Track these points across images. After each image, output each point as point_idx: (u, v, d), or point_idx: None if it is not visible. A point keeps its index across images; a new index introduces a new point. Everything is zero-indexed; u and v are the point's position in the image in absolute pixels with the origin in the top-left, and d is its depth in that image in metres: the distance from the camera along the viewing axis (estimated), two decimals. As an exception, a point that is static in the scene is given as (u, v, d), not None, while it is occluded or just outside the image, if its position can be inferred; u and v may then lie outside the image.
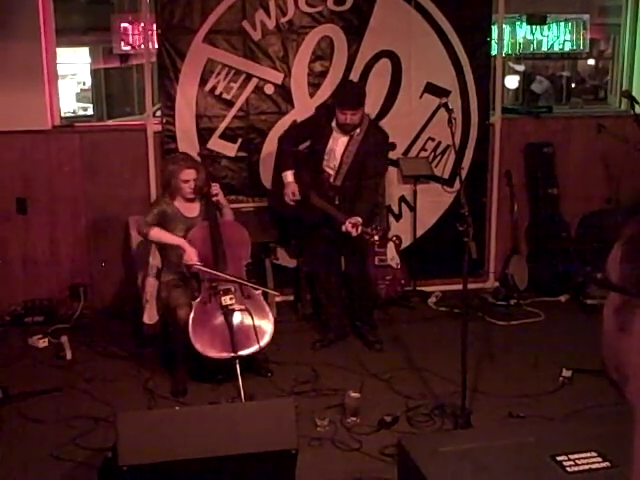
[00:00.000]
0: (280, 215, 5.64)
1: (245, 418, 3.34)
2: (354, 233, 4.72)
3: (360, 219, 4.73)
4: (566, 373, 4.72)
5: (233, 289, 4.68)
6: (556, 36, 11.34)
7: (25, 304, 5.84)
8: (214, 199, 4.89)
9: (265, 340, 4.65)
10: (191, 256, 4.64)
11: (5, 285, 5.79)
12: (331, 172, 5.11)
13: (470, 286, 4.28)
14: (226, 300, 4.60)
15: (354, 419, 4.22)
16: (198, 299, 4.67)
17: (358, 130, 5.02)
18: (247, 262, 4.94)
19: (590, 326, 5.69)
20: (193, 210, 4.89)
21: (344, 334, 5.45)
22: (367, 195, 5.05)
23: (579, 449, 2.98)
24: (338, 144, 5.07)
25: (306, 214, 5.20)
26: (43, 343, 5.37)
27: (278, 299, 5.90)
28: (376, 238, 4.71)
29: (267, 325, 4.70)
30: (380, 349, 5.30)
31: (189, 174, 4.76)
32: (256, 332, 4.58)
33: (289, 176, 5.19)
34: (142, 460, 3.13)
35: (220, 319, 4.60)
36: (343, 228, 4.75)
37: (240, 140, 6.00)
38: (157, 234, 4.73)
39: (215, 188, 4.88)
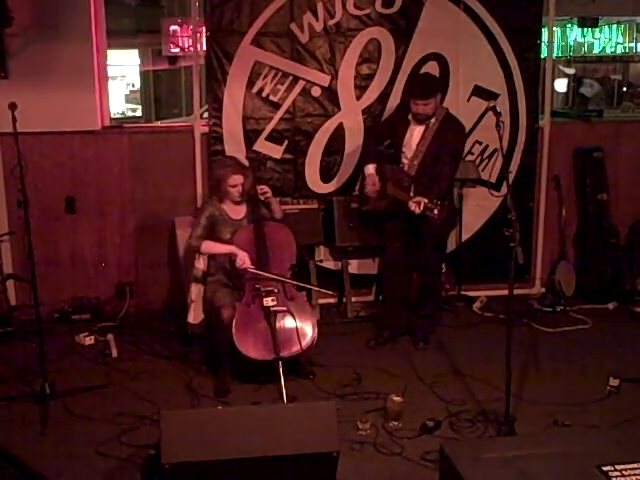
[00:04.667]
0: (368, 214, 5.66)
1: (287, 420, 3.34)
2: (417, 211, 4.77)
3: (425, 199, 4.76)
4: (613, 382, 4.64)
5: (276, 290, 4.70)
6: (608, 39, 11.17)
7: (73, 302, 5.94)
8: (264, 197, 4.94)
9: (307, 342, 4.66)
10: (244, 260, 4.69)
11: (54, 283, 5.87)
12: (406, 162, 5.14)
13: (516, 292, 4.23)
14: (268, 302, 4.62)
15: (396, 423, 4.20)
16: (242, 301, 4.70)
17: (433, 120, 5.07)
18: (292, 264, 4.95)
19: (638, 334, 5.62)
20: (240, 212, 4.94)
21: (399, 332, 5.48)
22: (440, 181, 5.05)
23: (626, 459, 2.94)
24: (414, 134, 5.13)
25: (383, 207, 5.25)
26: (89, 341, 5.45)
27: (322, 301, 5.91)
28: (435, 212, 4.70)
29: (310, 327, 4.70)
30: (424, 347, 5.35)
31: (237, 179, 4.83)
32: (298, 334, 4.59)
33: (370, 168, 5.28)
34: (184, 458, 3.15)
35: (262, 321, 4.62)
36: (409, 207, 4.81)
37: (286, 142, 6.03)
38: (208, 247, 4.80)
39: (263, 188, 4.94)
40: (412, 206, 4.78)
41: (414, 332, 5.49)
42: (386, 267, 5.58)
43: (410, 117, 5.13)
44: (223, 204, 4.92)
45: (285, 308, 4.64)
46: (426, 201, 4.73)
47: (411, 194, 4.99)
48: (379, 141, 5.49)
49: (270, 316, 4.60)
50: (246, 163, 5.15)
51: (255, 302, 4.68)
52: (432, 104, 5.02)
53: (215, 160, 5.62)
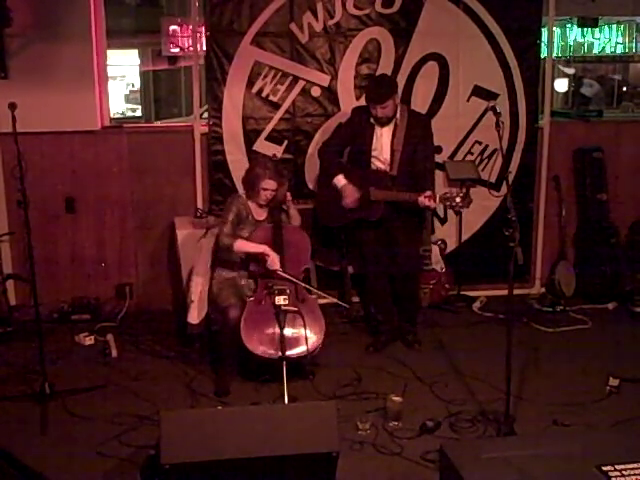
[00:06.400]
0: (329, 227, 5.61)
1: (287, 420, 3.34)
2: (433, 205, 4.77)
3: (430, 192, 4.76)
4: (613, 382, 4.64)
5: (288, 291, 4.69)
6: (608, 39, 11.18)
7: (72, 302, 5.94)
8: (286, 204, 4.95)
9: (314, 345, 4.67)
10: (275, 262, 4.69)
11: (53, 283, 5.88)
12: (382, 165, 5.11)
13: (516, 292, 4.23)
14: (280, 300, 4.60)
15: (396, 423, 4.20)
16: (252, 297, 4.71)
17: (399, 116, 5.04)
18: (305, 267, 4.97)
19: (638, 334, 5.62)
20: (262, 214, 4.96)
21: (395, 337, 5.45)
22: (426, 176, 5.04)
23: (625, 459, 2.94)
24: (383, 136, 5.09)
25: (367, 214, 5.16)
26: (89, 341, 5.45)
27: (322, 302, 5.90)
28: (458, 200, 4.66)
29: (317, 330, 4.72)
30: (420, 349, 5.33)
31: (270, 184, 4.82)
32: (306, 336, 4.60)
33: (342, 179, 5.18)
34: (184, 459, 3.15)
35: (272, 319, 4.60)
36: (420, 203, 4.77)
37: (286, 142, 6.04)
38: (241, 245, 4.76)
39: (288, 196, 4.97)
40: (426, 201, 4.73)
41: (402, 336, 5.42)
42: (372, 274, 5.41)
43: (373, 120, 5.07)
44: (250, 201, 4.92)
45: (296, 309, 4.64)
46: (430, 194, 4.73)
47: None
48: (339, 150, 5.34)
49: (280, 315, 4.57)
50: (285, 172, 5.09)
51: (266, 300, 4.68)
52: (390, 106, 4.98)
53: (256, 157, 5.41)
